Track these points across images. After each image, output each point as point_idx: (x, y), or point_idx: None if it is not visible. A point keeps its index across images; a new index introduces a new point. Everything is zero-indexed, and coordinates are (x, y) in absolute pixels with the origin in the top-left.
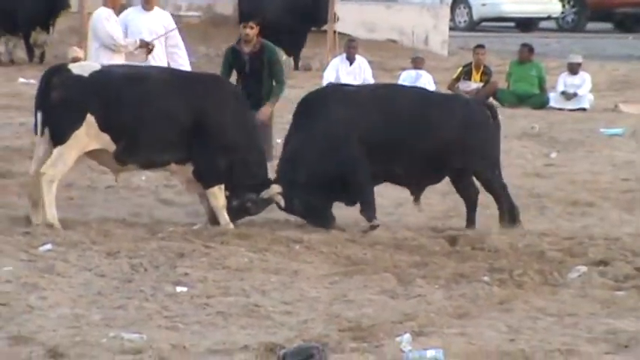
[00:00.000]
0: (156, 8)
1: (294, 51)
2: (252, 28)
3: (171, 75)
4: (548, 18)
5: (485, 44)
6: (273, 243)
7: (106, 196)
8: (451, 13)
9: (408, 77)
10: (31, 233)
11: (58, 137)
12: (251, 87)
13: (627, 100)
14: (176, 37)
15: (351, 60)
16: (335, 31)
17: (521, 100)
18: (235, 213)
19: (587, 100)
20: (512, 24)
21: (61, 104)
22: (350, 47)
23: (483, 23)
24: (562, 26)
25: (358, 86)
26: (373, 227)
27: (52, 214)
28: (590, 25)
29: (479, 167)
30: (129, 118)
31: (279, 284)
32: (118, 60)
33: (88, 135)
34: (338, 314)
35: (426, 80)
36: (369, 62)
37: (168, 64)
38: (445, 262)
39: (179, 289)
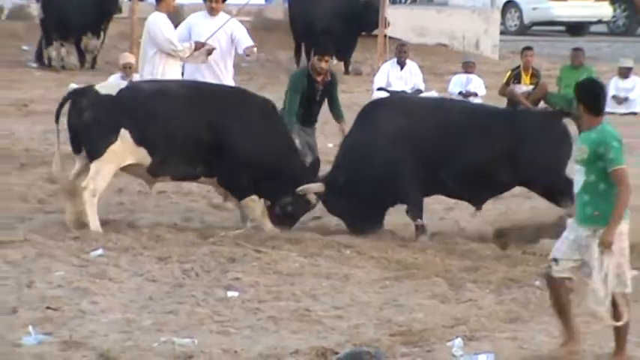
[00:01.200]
0: (222, 14)
1: (344, 55)
2: (327, 61)
3: (196, 89)
4: (599, 22)
5: (536, 48)
6: (325, 248)
7: (158, 201)
8: (502, 17)
9: (458, 82)
10: (82, 238)
11: (94, 153)
12: (313, 112)
13: None
14: (240, 30)
15: (401, 64)
16: (385, 36)
17: (572, 104)
18: (280, 219)
19: (638, 104)
20: (562, 28)
21: (95, 123)
22: (400, 52)
23: (534, 27)
24: (613, 30)
25: (421, 98)
26: (418, 227)
27: (95, 225)
28: None
29: (538, 181)
30: (162, 133)
31: (330, 289)
32: (174, 64)
33: (124, 150)
34: (389, 319)
35: (476, 84)
36: (420, 67)
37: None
38: (496, 266)
39: (230, 293)
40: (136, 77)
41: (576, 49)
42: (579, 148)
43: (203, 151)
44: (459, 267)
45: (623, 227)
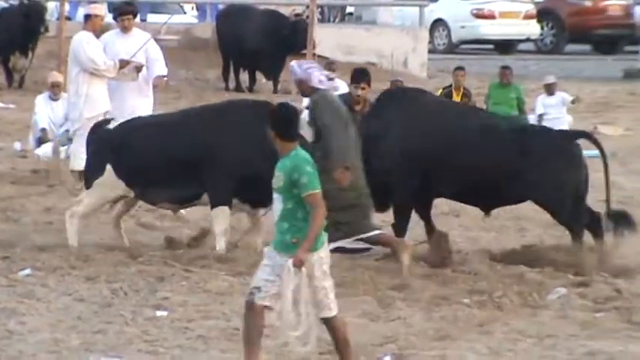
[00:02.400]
0: (135, 30)
1: (273, 74)
2: (363, 88)
3: (180, 116)
4: (527, 40)
5: (465, 66)
6: (253, 266)
7: (86, 220)
8: (430, 36)
9: None
10: (10, 258)
11: (86, 184)
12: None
13: (606, 121)
14: (156, 51)
15: None
16: (314, 55)
17: None
18: None
19: (565, 121)
20: (491, 46)
21: (90, 156)
22: (329, 70)
23: (462, 45)
24: (541, 48)
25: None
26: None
27: (72, 241)
28: (569, 47)
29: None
30: (136, 164)
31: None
32: (99, 84)
33: (108, 183)
34: (318, 337)
35: None
36: (348, 85)
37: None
38: (425, 284)
39: (159, 313)
40: (64, 96)
41: (504, 67)
42: (276, 176)
43: (191, 172)
44: (389, 285)
45: (323, 253)
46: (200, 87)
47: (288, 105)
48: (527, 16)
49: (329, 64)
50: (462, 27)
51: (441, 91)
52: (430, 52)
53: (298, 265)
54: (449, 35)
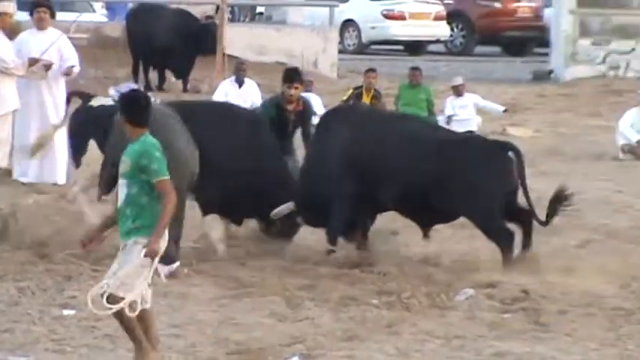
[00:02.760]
0: (50, 29)
1: (182, 74)
2: (296, 88)
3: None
4: (437, 41)
5: (375, 67)
6: None
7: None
8: (340, 36)
9: None
10: None
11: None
12: (286, 142)
13: (515, 123)
14: (69, 49)
15: (240, 83)
16: (224, 54)
17: None
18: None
19: (475, 123)
20: (400, 47)
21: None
22: (239, 70)
23: (372, 46)
24: (451, 50)
25: (372, 110)
26: (329, 252)
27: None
28: (479, 49)
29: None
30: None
31: (168, 307)
32: (9, 83)
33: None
34: (226, 337)
35: (314, 103)
36: (259, 85)
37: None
38: (334, 284)
39: (66, 312)
40: None
41: (414, 68)
42: (123, 161)
43: None
44: (297, 285)
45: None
46: (109, 86)
47: (139, 91)
48: (438, 18)
49: (239, 64)
50: (372, 28)
51: (351, 91)
52: (340, 52)
53: (152, 255)
54: (359, 36)
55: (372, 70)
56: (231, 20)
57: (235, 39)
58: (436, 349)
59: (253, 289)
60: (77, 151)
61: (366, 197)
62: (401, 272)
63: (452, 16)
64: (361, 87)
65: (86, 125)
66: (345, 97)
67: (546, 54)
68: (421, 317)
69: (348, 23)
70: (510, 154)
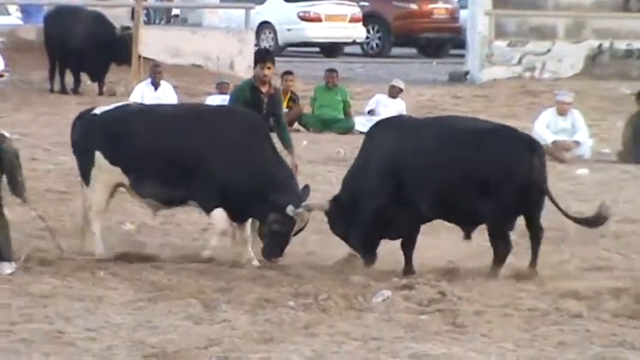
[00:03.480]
0: None
1: (98, 77)
2: (269, 68)
3: (172, 110)
4: (353, 43)
5: (291, 69)
6: (78, 269)
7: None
8: (256, 38)
9: (213, 103)
10: None
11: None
12: None
13: None
14: None
15: (156, 85)
16: (140, 57)
17: (326, 125)
18: (269, 238)
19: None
20: (317, 49)
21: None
22: (155, 72)
23: (289, 48)
24: (367, 51)
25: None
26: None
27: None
28: (395, 50)
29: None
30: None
31: (84, 310)
32: None
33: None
34: (142, 340)
35: None
36: (174, 87)
37: None
38: (250, 287)
39: None
40: None
41: (330, 70)
42: None
43: (179, 170)
44: (213, 288)
45: None
46: (25, 89)
47: None
48: (354, 20)
49: (155, 67)
50: (289, 30)
51: None
52: None
53: None
54: (275, 38)
55: (288, 72)
56: (147, 23)
57: (151, 42)
58: (353, 351)
59: (169, 291)
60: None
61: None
62: (317, 274)
63: (368, 18)
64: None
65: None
66: None
67: (462, 55)
68: (338, 319)
69: (264, 25)
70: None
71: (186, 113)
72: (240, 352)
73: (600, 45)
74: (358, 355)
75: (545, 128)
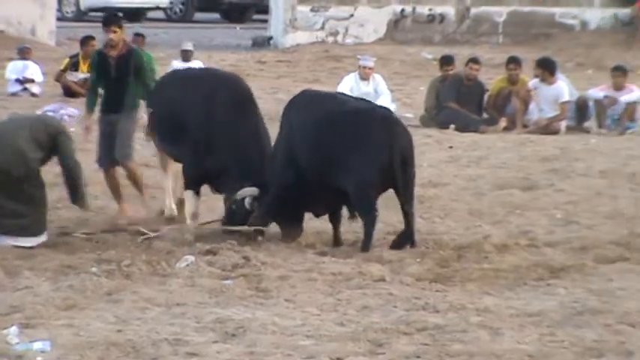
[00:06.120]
0: None
1: None
2: (115, 32)
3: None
4: (157, 8)
5: (94, 34)
6: None
7: None
8: (58, 4)
9: (15, 68)
10: None
11: None
12: (113, 94)
13: None
14: None
15: None
16: None
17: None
18: (230, 217)
19: None
20: (120, 14)
21: None
22: None
23: (91, 13)
24: (170, 17)
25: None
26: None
27: None
28: (198, 16)
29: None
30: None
31: None
32: None
33: None
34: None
35: (33, 71)
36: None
37: None
38: (53, 253)
39: None
40: None
41: (137, 35)
42: None
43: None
44: (15, 254)
45: None
46: None
47: None
48: None
49: None
50: None
51: (68, 60)
52: (59, 19)
53: None
54: (77, 3)
55: (90, 37)
56: None
57: None
58: (156, 317)
59: None
60: None
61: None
62: (120, 240)
63: None
64: (77, 55)
65: None
66: (61, 67)
67: (266, 20)
68: (141, 285)
69: None
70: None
71: None
72: (43, 318)
73: (402, 10)
74: (162, 320)
75: (348, 92)
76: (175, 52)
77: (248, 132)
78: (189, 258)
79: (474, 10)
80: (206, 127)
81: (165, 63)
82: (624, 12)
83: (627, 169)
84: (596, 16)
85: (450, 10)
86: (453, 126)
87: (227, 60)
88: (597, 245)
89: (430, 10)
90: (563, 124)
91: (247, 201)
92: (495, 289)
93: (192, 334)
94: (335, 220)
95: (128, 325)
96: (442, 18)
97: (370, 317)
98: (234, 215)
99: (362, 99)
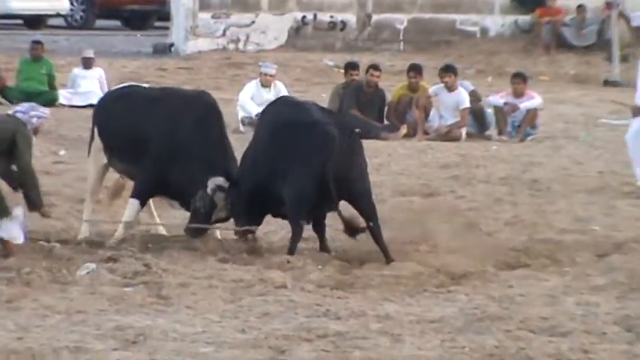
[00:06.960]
0: None
1: None
2: None
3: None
4: (57, 15)
5: None
6: None
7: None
8: None
9: None
10: None
11: None
12: None
13: None
14: None
15: None
16: None
17: (30, 97)
18: (195, 217)
19: (96, 96)
20: (20, 21)
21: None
22: None
23: None
24: (71, 23)
25: None
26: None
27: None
28: (100, 23)
29: None
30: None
31: None
32: None
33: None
34: None
35: None
36: None
37: None
38: None
39: None
40: None
41: (35, 42)
42: None
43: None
44: None
45: None
46: None
47: None
48: None
49: None
50: None
51: None
52: None
53: None
54: None
55: None
56: None
57: None
58: (56, 325)
59: None
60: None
61: None
62: (20, 248)
63: None
64: None
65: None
66: None
67: (167, 27)
68: (42, 292)
69: None
70: None
71: None
72: None
73: (304, 17)
74: (62, 328)
75: (249, 100)
76: (76, 59)
77: (212, 141)
78: (89, 265)
79: (375, 18)
80: (170, 139)
81: (66, 70)
82: (524, 19)
83: (527, 175)
84: (497, 23)
85: (351, 17)
86: None
87: (128, 67)
88: (498, 252)
89: (331, 17)
90: (463, 131)
91: (210, 187)
92: (396, 296)
93: (92, 341)
94: (319, 230)
95: (28, 332)
96: (343, 25)
97: (271, 324)
98: (199, 213)
99: (329, 111)
